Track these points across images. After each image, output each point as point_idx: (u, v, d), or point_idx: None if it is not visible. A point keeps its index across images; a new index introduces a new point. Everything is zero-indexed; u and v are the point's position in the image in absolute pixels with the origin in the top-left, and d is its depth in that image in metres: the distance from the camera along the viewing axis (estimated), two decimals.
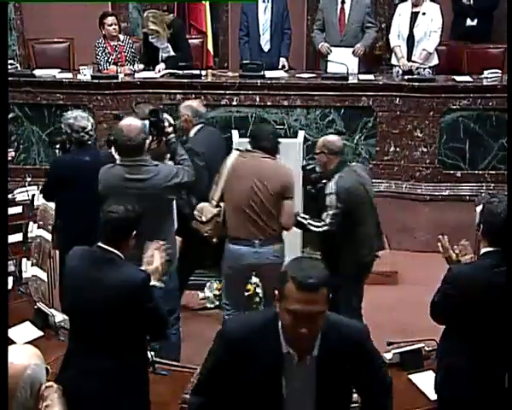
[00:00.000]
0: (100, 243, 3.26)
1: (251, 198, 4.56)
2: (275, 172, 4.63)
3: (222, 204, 4.64)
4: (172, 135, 4.52)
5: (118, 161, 4.32)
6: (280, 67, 7.18)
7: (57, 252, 5.07)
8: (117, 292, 3.18)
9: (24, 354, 2.20)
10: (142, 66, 7.01)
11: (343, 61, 6.76)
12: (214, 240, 4.68)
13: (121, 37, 7.12)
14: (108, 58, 6.99)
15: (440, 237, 3.51)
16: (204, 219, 4.62)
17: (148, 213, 3.74)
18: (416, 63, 6.93)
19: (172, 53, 7.01)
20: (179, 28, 7.15)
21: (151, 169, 4.25)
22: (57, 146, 5.09)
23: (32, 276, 4.45)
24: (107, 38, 7.02)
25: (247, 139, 4.93)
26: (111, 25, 6.99)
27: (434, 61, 7.11)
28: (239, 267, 4.66)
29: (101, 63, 7.00)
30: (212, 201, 4.65)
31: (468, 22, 7.74)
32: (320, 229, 4.69)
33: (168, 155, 4.60)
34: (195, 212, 4.71)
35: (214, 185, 4.69)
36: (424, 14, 7.00)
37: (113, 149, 4.53)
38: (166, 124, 4.52)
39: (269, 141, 4.70)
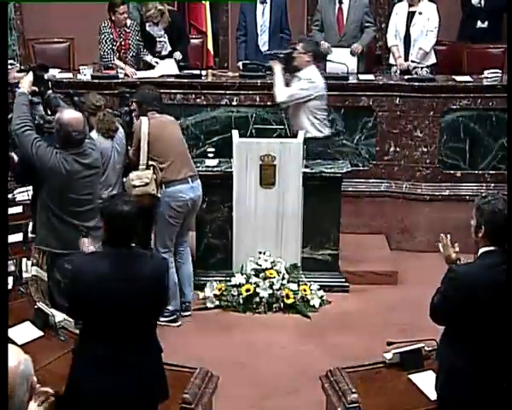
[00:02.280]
0: (117, 243, 3.30)
1: (177, 145, 5.52)
2: (175, 122, 5.71)
3: (150, 163, 5.38)
4: (50, 91, 4.89)
5: (60, 151, 4.44)
6: None
7: None
8: (155, 278, 3.33)
9: (12, 353, 2.24)
10: (149, 57, 7.00)
11: (342, 61, 6.77)
12: (159, 195, 5.39)
13: (128, 22, 7.08)
14: (112, 45, 6.97)
15: (442, 235, 3.48)
16: (147, 180, 5.32)
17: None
18: (413, 63, 6.95)
19: (168, 44, 7.07)
20: (179, 22, 7.25)
21: (90, 151, 4.52)
22: None
23: (32, 276, 4.45)
24: (116, 24, 6.99)
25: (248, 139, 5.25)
26: (122, 13, 6.96)
27: (432, 60, 7.13)
28: (182, 204, 5.41)
29: (106, 52, 6.94)
30: (142, 166, 5.38)
31: (479, 24, 7.70)
32: None
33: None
34: (135, 182, 5.33)
35: (132, 154, 5.47)
36: (421, 13, 7.03)
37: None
38: (47, 78, 4.95)
39: (156, 105, 5.55)
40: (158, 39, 7.11)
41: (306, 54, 6.09)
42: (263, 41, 7.25)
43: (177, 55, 7.04)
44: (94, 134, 5.16)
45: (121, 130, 5.50)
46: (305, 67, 6.10)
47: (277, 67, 6.16)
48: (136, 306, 3.27)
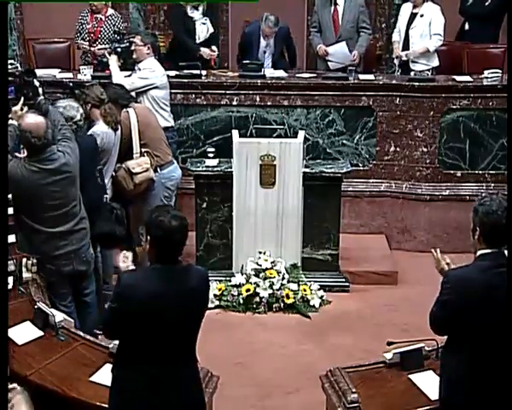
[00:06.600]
0: (166, 260, 3.17)
1: (160, 129, 5.87)
2: (150, 110, 6.01)
3: (144, 149, 5.65)
4: (42, 97, 4.92)
5: (24, 160, 4.41)
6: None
7: None
8: (201, 290, 3.28)
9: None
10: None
11: (340, 54, 6.86)
12: (155, 178, 5.71)
13: (110, 11, 7.22)
14: (82, 29, 7.14)
15: (433, 250, 3.46)
16: (147, 166, 5.61)
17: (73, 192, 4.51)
18: (414, 52, 6.94)
19: (210, 26, 7.22)
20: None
21: (58, 154, 4.42)
22: None
23: (33, 276, 4.45)
24: (94, 11, 7.14)
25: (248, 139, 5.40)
26: None
27: (435, 62, 7.09)
28: (174, 183, 5.84)
29: (76, 33, 7.11)
30: (136, 154, 5.62)
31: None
32: None
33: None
34: (136, 169, 5.55)
35: (123, 145, 5.57)
36: (422, 15, 6.97)
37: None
38: (37, 84, 4.93)
39: (130, 97, 5.80)
40: (200, 21, 7.17)
41: (145, 46, 6.20)
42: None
43: (214, 49, 7.21)
44: (103, 126, 5.27)
45: None
46: (145, 59, 6.21)
47: (112, 58, 6.31)
48: (185, 320, 3.18)
